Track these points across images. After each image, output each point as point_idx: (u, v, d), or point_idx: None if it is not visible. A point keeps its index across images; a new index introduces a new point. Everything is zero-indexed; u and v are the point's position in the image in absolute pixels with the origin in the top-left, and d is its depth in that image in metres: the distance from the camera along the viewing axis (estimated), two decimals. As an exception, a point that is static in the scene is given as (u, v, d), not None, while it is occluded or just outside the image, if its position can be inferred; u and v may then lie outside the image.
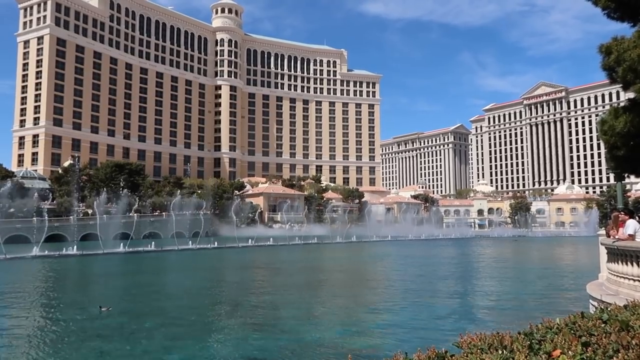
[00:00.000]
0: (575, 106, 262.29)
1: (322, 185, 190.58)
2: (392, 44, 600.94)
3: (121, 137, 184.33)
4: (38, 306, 29.56)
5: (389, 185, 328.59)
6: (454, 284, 38.79)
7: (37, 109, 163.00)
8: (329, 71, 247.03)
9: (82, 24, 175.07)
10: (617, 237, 14.59)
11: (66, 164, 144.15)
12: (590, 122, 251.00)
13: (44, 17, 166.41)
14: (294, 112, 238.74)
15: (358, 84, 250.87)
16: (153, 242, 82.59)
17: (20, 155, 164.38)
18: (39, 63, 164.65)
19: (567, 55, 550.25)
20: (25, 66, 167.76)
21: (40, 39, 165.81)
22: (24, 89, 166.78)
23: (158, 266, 57.93)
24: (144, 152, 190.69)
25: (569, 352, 3.90)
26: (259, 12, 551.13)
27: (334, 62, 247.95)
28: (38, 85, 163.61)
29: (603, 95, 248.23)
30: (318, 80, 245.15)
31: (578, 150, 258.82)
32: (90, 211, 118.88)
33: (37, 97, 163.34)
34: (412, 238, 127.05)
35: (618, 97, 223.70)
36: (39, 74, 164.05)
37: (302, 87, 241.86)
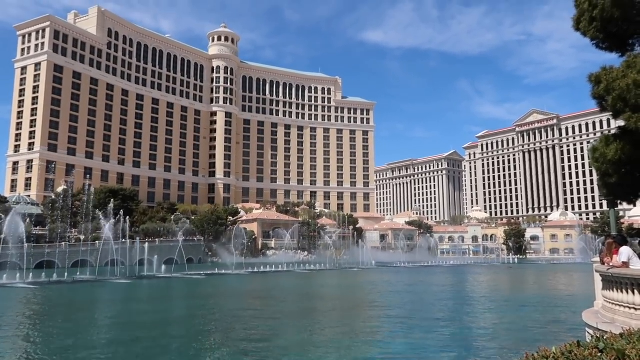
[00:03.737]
0: (567, 133, 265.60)
1: (316, 211, 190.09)
2: (391, 72, 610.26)
3: (116, 163, 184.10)
4: (31, 333, 28.92)
5: (384, 212, 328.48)
6: (449, 313, 38.43)
7: (32, 135, 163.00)
8: (323, 98, 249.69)
9: (79, 50, 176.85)
10: (611, 264, 14.60)
11: (59, 189, 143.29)
12: (582, 149, 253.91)
13: (42, 44, 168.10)
14: (288, 139, 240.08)
15: (352, 110, 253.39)
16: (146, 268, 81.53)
17: (14, 181, 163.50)
18: (35, 89, 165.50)
19: (563, 84, 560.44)
20: (22, 92, 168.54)
21: (37, 65, 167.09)
22: (20, 114, 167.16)
23: (149, 294, 57.09)
24: (139, 177, 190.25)
25: (566, 381, 3.87)
26: (261, 40, 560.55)
27: (329, 90, 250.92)
28: (34, 111, 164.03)
29: (594, 123, 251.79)
30: (313, 107, 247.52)
31: (571, 177, 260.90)
32: (82, 237, 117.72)
33: (33, 123, 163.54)
34: (407, 265, 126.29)
35: (609, 125, 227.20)
36: (35, 100, 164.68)
37: (297, 113, 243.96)
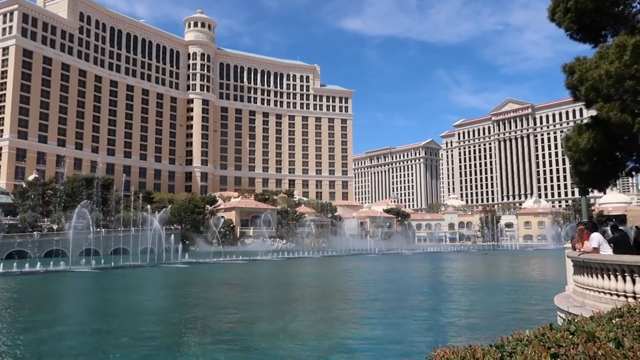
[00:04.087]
0: (541, 122, 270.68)
1: (294, 199, 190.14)
2: (370, 60, 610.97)
3: (89, 151, 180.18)
4: (2, 326, 28.32)
5: (362, 200, 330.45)
6: (425, 298, 39.08)
7: (1, 121, 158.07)
8: (302, 86, 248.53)
9: (50, 35, 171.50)
10: (582, 250, 15.00)
11: (30, 177, 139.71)
12: (555, 138, 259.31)
13: (10, 27, 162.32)
14: (267, 127, 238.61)
15: (331, 99, 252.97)
16: (121, 258, 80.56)
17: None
18: (3, 74, 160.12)
19: (539, 74, 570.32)
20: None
21: (5, 50, 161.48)
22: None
23: (126, 283, 56.44)
24: (113, 165, 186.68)
25: (539, 363, 3.97)
26: (239, 26, 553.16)
27: (307, 77, 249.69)
28: (2, 97, 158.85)
29: (567, 112, 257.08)
30: (291, 95, 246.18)
31: (544, 165, 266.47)
32: (55, 226, 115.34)
33: (1, 109, 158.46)
34: (385, 252, 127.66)
35: (582, 114, 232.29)
36: (3, 86, 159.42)
37: (275, 101, 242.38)
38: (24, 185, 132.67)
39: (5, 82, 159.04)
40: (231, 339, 23.71)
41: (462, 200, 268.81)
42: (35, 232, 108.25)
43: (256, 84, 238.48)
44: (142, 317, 31.39)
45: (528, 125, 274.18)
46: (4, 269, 63.92)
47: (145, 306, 36.66)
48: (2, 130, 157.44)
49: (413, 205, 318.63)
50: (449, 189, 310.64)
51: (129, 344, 22.75)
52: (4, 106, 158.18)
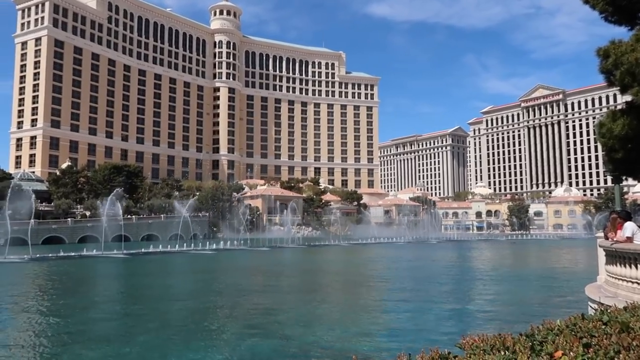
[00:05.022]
0: (573, 109, 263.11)
1: (320, 187, 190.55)
2: (397, 46, 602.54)
3: (119, 139, 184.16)
4: (39, 309, 29.49)
5: (387, 188, 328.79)
6: (454, 286, 38.84)
7: (34, 111, 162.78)
8: (327, 73, 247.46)
9: (80, 25, 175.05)
10: (615, 239, 14.66)
11: (64, 165, 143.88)
12: (587, 124, 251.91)
13: (42, 18, 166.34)
14: (292, 114, 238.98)
15: (356, 86, 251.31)
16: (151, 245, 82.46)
17: (18, 157, 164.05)
18: (36, 64, 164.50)
19: (571, 58, 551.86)
20: (23, 67, 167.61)
21: (38, 40, 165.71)
22: (22, 90, 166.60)
23: (156, 269, 57.84)
24: (142, 154, 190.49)
25: (571, 353, 3.94)
26: (265, 13, 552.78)
27: (332, 64, 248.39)
28: (36, 87, 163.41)
29: (600, 98, 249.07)
30: (316, 82, 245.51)
31: (576, 153, 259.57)
32: (88, 213, 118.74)
33: (35, 99, 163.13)
34: (411, 240, 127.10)
35: (615, 100, 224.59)
36: (36, 76, 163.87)
37: (301, 89, 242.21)
38: (57, 173, 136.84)
39: (39, 73, 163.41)
40: (257, 325, 24.11)
41: (489, 188, 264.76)
42: (69, 219, 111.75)
43: (282, 72, 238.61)
44: (171, 302, 32.19)
45: (559, 111, 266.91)
46: (40, 254, 66.30)
47: (174, 291, 37.54)
48: (36, 120, 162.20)
49: (439, 193, 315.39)
50: (476, 176, 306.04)
51: (157, 328, 23.40)
52: (37, 96, 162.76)
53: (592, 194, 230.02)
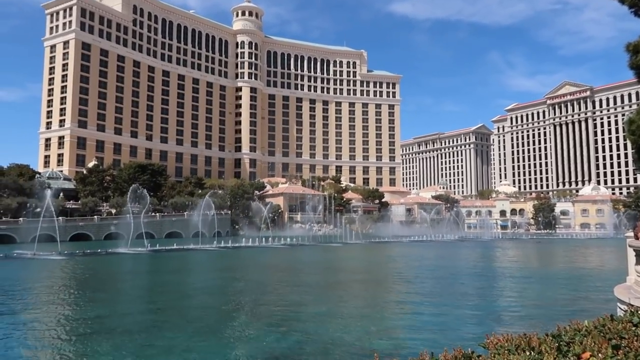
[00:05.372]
0: (601, 106, 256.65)
1: (341, 185, 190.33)
2: (419, 44, 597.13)
3: (144, 139, 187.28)
4: (65, 302, 30.22)
5: (409, 186, 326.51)
6: (478, 285, 38.33)
7: (62, 112, 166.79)
8: (348, 72, 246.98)
9: (106, 28, 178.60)
10: (646, 238, 14.22)
11: (90, 164, 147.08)
12: (616, 121, 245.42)
13: (70, 22, 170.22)
14: (313, 113, 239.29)
15: (378, 84, 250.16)
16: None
17: (47, 157, 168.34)
18: (64, 67, 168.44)
19: (600, 55, 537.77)
20: (51, 70, 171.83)
21: (66, 44, 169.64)
22: (50, 92, 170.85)
23: (179, 266, 58.66)
24: (166, 153, 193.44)
25: (599, 354, 3.83)
26: (287, 14, 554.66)
27: (354, 63, 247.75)
28: (64, 89, 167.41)
29: (630, 95, 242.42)
30: (338, 81, 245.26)
31: (604, 151, 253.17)
32: (114, 211, 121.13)
33: (63, 100, 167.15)
34: (433, 239, 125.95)
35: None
36: (64, 78, 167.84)
37: (322, 88, 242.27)
38: (84, 172, 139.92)
39: (67, 75, 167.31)
40: (278, 321, 24.22)
41: (514, 186, 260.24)
42: (95, 216, 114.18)
43: (303, 71, 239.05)
44: (193, 297, 32.60)
45: (586, 108, 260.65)
46: (68, 250, 67.91)
47: (196, 288, 38.00)
48: (64, 120, 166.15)
49: (462, 192, 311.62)
50: (500, 175, 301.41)
51: (181, 324, 23.71)
52: (65, 97, 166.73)
53: (621, 193, 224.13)
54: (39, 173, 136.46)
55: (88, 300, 31.64)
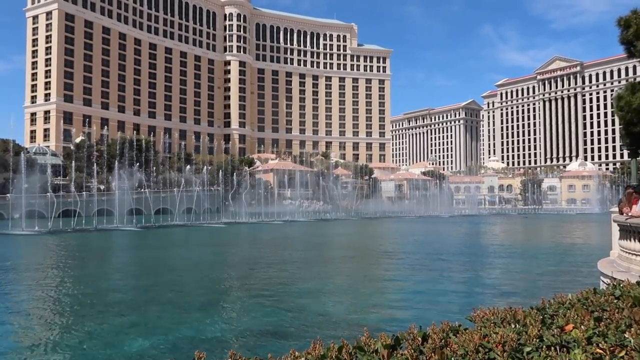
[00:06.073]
0: (590, 81, 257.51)
1: (331, 161, 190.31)
2: (412, 17, 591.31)
3: (131, 113, 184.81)
4: (55, 279, 30.24)
5: (399, 162, 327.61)
6: (464, 261, 38.97)
7: (47, 85, 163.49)
8: (338, 46, 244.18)
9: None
10: (630, 214, 14.49)
11: (77, 140, 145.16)
12: (605, 97, 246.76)
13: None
14: (303, 88, 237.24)
15: (368, 59, 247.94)
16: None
17: (33, 132, 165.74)
18: (48, 38, 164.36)
19: (592, 29, 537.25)
20: (34, 42, 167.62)
21: (49, 14, 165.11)
22: (34, 64, 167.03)
23: (169, 242, 58.77)
24: (154, 128, 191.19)
25: (582, 326, 3.94)
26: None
27: (344, 37, 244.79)
28: (48, 61, 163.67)
29: (619, 70, 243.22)
30: (328, 55, 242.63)
31: (592, 127, 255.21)
32: (102, 187, 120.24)
33: (48, 73, 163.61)
34: (422, 215, 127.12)
35: (635, 72, 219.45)
36: (48, 50, 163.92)
37: (312, 62, 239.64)
38: (72, 147, 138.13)
39: (50, 47, 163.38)
40: (269, 296, 24.50)
41: (502, 162, 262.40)
42: (84, 192, 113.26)
43: (292, 45, 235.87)
44: (184, 273, 32.78)
45: (576, 84, 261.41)
46: (57, 227, 67.59)
47: (187, 264, 38.18)
48: (49, 94, 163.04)
49: (452, 167, 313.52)
50: (489, 151, 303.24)
51: (171, 299, 23.89)
52: (50, 70, 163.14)
53: (607, 169, 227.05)
54: (26, 148, 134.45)
55: (76, 276, 31.67)
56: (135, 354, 15.14)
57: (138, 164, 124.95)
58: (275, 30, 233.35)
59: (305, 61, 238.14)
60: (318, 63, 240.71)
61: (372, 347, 3.30)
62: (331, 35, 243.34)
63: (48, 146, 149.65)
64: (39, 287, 27.39)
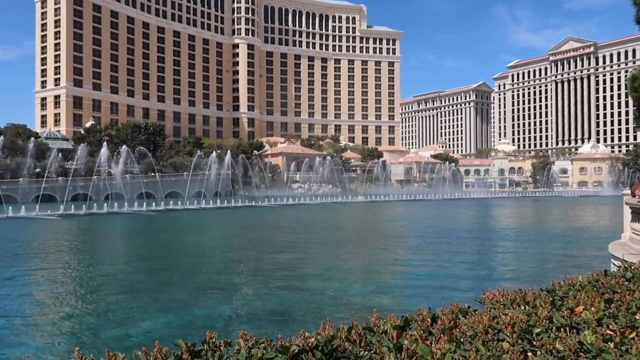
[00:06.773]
0: (604, 62, 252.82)
1: (340, 144, 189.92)
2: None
3: (141, 98, 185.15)
4: (68, 262, 30.74)
5: (409, 145, 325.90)
6: (474, 243, 38.94)
7: (57, 70, 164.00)
8: (347, 28, 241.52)
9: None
10: (642, 196, 14.33)
11: (87, 124, 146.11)
12: (619, 78, 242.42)
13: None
14: (312, 71, 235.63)
15: (378, 41, 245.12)
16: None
17: (43, 116, 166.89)
18: (57, 23, 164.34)
19: (608, 8, 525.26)
20: (43, 26, 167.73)
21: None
22: (44, 49, 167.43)
23: (179, 225, 59.29)
24: (164, 112, 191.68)
25: (592, 308, 3.93)
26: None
27: (353, 19, 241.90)
28: (57, 46, 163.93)
29: (634, 51, 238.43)
30: (337, 37, 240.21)
31: (605, 108, 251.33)
32: (112, 171, 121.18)
33: (57, 58, 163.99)
34: (431, 198, 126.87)
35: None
36: (57, 34, 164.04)
37: (321, 44, 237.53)
38: (82, 132, 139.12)
39: (59, 31, 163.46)
40: (280, 278, 24.73)
41: (513, 145, 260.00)
42: (94, 177, 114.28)
43: (301, 27, 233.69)
44: (195, 257, 33.13)
45: (589, 65, 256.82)
46: (69, 210, 68.44)
47: (197, 247, 38.55)
48: (59, 79, 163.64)
49: (462, 150, 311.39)
50: (500, 133, 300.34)
51: (182, 282, 24.20)
52: (59, 55, 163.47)
53: (620, 151, 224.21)
54: (37, 133, 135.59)
55: (90, 260, 32.16)
56: (148, 333, 15.42)
57: (147, 148, 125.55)
58: (283, 12, 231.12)
59: (314, 43, 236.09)
60: (327, 45, 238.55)
61: (382, 328, 3.34)
62: (340, 17, 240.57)
63: (59, 131, 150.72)
64: (56, 269, 27.86)
